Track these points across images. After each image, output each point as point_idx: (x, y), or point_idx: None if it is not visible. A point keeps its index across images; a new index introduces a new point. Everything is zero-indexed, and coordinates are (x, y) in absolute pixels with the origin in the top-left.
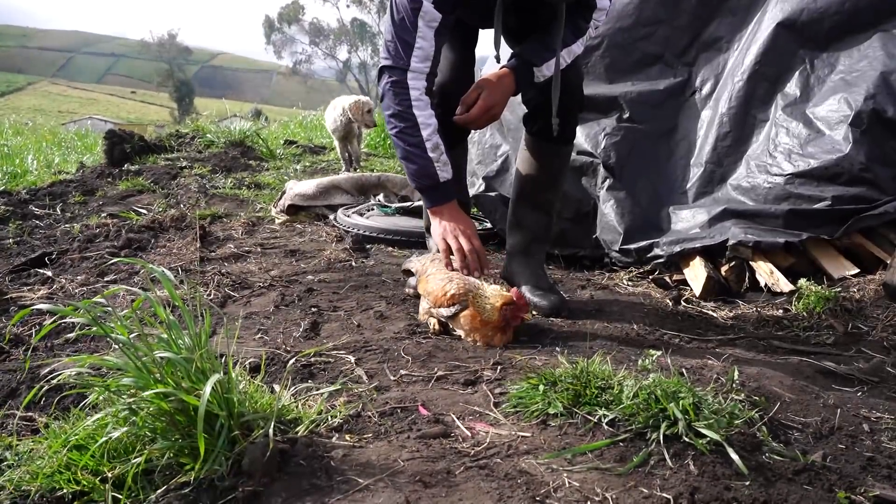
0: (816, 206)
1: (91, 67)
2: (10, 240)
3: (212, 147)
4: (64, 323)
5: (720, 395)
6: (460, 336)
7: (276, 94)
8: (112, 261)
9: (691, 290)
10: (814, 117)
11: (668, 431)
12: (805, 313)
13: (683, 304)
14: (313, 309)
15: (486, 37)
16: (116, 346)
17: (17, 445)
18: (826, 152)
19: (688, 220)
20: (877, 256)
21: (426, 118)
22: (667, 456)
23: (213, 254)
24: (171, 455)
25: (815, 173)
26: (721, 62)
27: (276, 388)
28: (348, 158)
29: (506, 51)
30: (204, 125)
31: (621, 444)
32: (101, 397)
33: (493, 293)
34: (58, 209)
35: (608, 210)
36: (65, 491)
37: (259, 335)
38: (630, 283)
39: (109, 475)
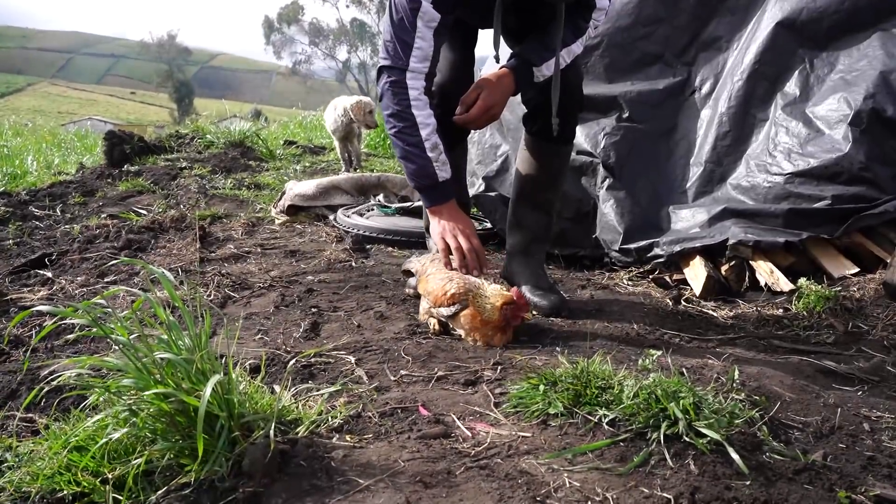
0: (816, 205)
1: (91, 68)
2: (10, 241)
3: (211, 148)
4: (64, 324)
5: (720, 394)
6: (460, 336)
7: (276, 94)
8: (112, 262)
9: (691, 289)
10: (813, 116)
11: (669, 431)
12: (805, 312)
13: (683, 303)
14: (313, 309)
15: (485, 37)
16: (116, 347)
17: (18, 447)
18: (826, 151)
19: (688, 219)
20: (877, 255)
21: (425, 118)
22: (667, 456)
23: (212, 254)
24: (172, 456)
25: (814, 172)
26: (720, 61)
27: (277, 388)
28: (348, 159)
29: (505, 51)
30: (203, 126)
31: (622, 443)
32: (101, 398)
33: (494, 293)
34: (58, 210)
35: (608, 210)
36: (65, 492)
37: (259, 336)
38: (630, 282)
39: (110, 476)
